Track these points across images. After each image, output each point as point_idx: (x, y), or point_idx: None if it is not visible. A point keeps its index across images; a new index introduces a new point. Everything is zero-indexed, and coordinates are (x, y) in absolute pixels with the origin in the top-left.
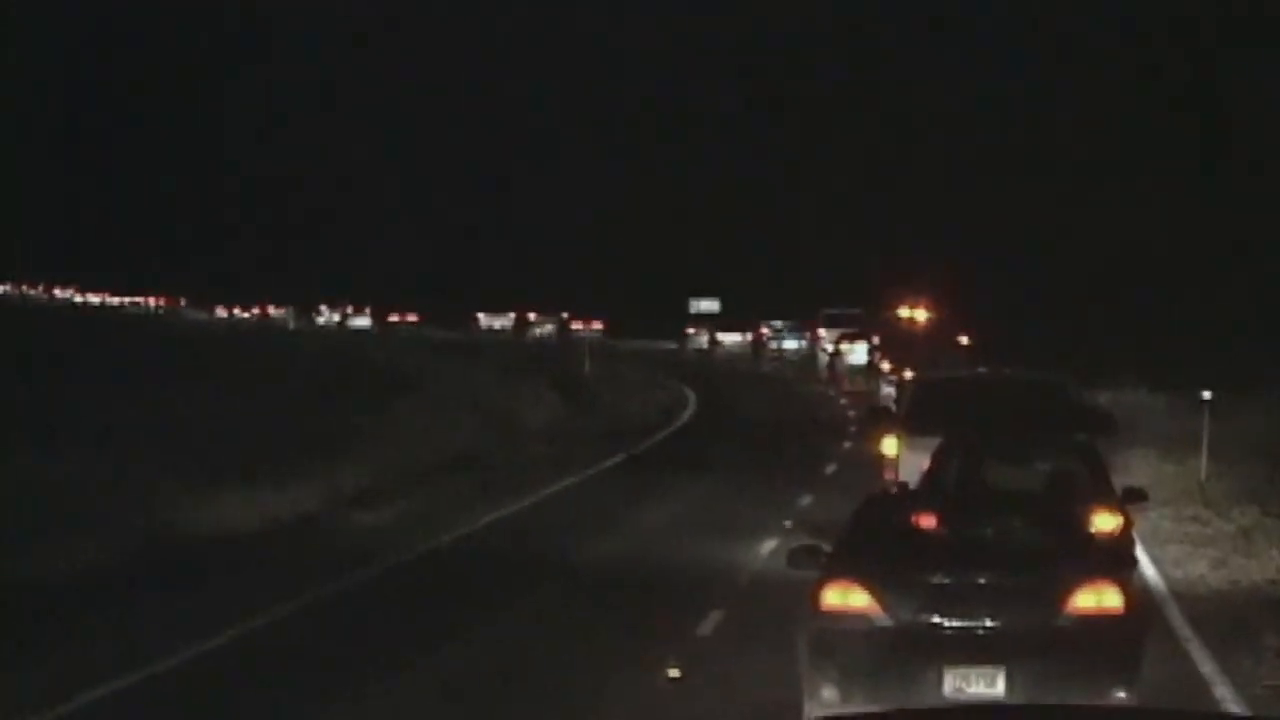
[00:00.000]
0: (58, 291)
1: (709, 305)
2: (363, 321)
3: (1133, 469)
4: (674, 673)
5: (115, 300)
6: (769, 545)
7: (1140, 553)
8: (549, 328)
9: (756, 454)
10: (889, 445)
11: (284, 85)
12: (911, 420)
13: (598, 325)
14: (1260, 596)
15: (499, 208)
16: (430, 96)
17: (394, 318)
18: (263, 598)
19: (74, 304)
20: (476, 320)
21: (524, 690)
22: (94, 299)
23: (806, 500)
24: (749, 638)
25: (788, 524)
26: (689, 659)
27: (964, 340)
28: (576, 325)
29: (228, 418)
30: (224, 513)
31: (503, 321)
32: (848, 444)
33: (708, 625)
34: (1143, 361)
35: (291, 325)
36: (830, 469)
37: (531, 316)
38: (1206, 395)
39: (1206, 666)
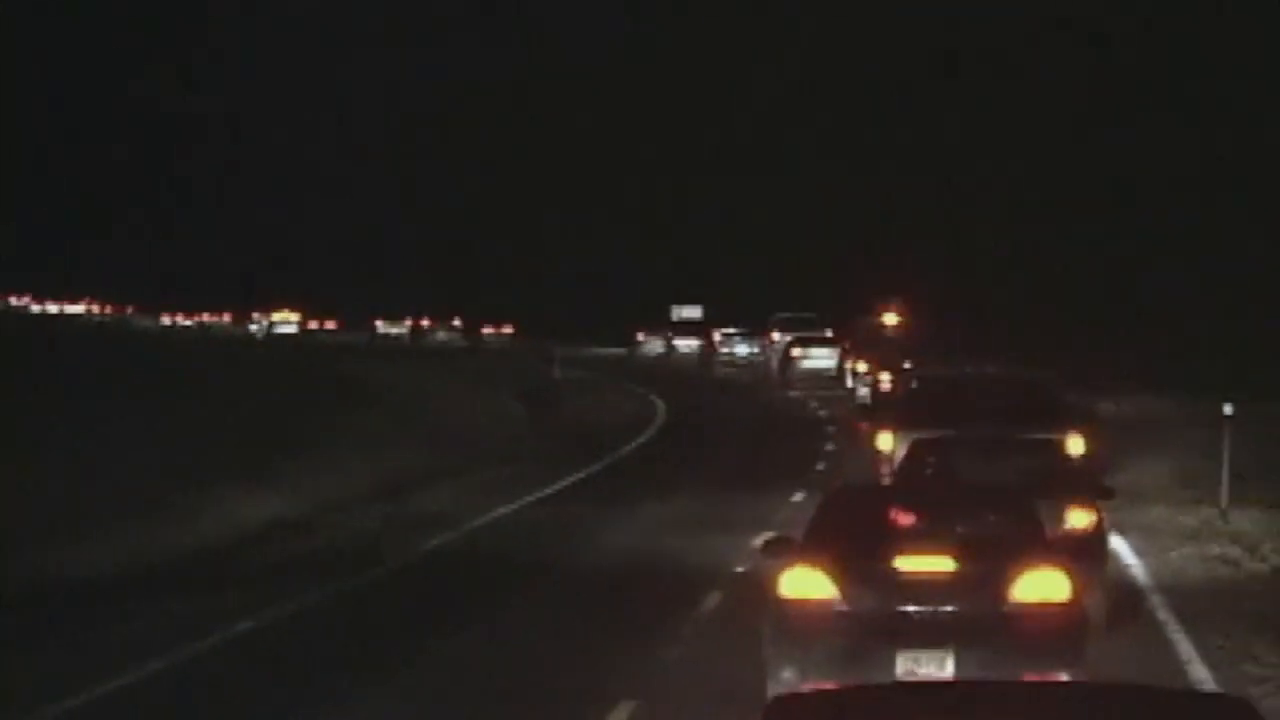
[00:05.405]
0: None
1: (690, 312)
2: (288, 328)
3: (1145, 489)
4: None
5: (51, 307)
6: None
7: (1166, 608)
8: (441, 334)
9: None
10: (884, 440)
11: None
12: (904, 417)
13: (507, 330)
14: None
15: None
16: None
17: (314, 324)
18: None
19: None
20: (375, 326)
21: None
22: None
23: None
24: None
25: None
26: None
27: (927, 341)
28: (486, 330)
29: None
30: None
31: (399, 328)
32: (820, 465)
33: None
34: (1145, 363)
35: (261, 336)
36: (798, 497)
37: (425, 323)
38: (1228, 410)
39: None
